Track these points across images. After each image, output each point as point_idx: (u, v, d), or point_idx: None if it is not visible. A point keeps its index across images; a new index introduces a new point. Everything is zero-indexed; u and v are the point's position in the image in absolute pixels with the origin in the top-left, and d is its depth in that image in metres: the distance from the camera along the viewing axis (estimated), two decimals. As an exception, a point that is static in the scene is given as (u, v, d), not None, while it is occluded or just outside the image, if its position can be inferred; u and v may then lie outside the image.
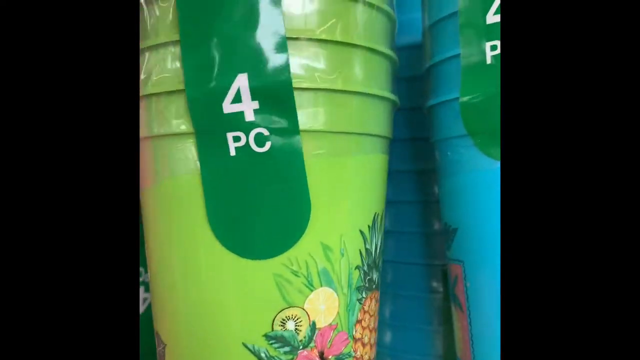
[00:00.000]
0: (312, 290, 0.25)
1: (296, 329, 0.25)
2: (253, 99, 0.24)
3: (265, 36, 0.24)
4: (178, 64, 0.25)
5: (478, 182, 0.28)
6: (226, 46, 0.24)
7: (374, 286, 0.28)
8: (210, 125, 0.24)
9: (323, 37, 0.25)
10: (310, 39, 0.25)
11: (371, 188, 0.28)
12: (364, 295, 0.27)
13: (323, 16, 0.25)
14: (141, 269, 0.36)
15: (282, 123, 0.24)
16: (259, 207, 0.25)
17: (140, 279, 0.36)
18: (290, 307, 0.25)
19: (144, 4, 0.26)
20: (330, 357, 0.26)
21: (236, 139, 0.24)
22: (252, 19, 0.24)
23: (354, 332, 0.27)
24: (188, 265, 0.25)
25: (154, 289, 0.28)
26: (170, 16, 0.25)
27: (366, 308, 0.28)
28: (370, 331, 0.29)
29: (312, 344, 0.26)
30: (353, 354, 0.27)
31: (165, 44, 0.25)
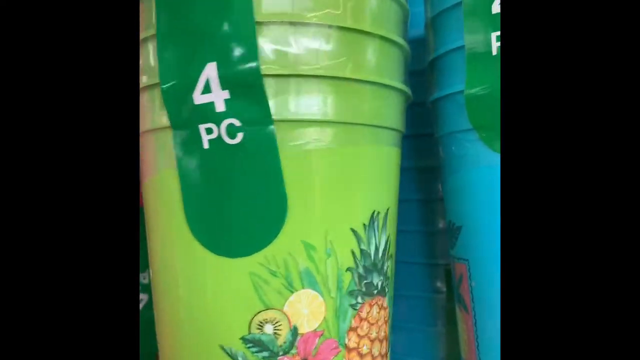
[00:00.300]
0: (292, 292, 0.23)
1: (275, 332, 0.23)
2: (223, 88, 0.23)
3: (234, 24, 0.23)
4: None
5: (483, 177, 0.27)
6: (196, 35, 0.23)
7: (375, 291, 0.26)
8: (183, 118, 0.24)
9: (334, 23, 0.24)
10: (320, 25, 0.24)
11: (368, 183, 0.25)
12: (359, 301, 0.25)
13: (334, 2, 0.24)
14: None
15: (253, 113, 0.23)
16: (234, 203, 0.23)
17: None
18: (268, 309, 0.23)
19: None
20: (315, 366, 0.24)
21: (208, 131, 0.23)
22: (221, 6, 0.23)
23: (346, 341, 0.25)
24: (168, 263, 0.25)
25: (152, 288, 0.28)
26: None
27: (364, 315, 0.25)
28: (373, 341, 0.26)
29: (293, 350, 0.24)
30: (345, 364, 0.25)
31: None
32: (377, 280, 0.26)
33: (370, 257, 0.25)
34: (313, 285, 0.24)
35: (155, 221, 0.26)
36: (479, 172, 0.27)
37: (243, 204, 0.23)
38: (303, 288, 0.24)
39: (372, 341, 0.26)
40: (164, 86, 0.24)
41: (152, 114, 0.25)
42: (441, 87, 0.29)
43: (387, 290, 0.27)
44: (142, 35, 0.25)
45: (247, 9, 0.22)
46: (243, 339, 0.23)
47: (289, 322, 0.23)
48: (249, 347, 0.23)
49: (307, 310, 0.24)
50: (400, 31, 0.29)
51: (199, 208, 0.24)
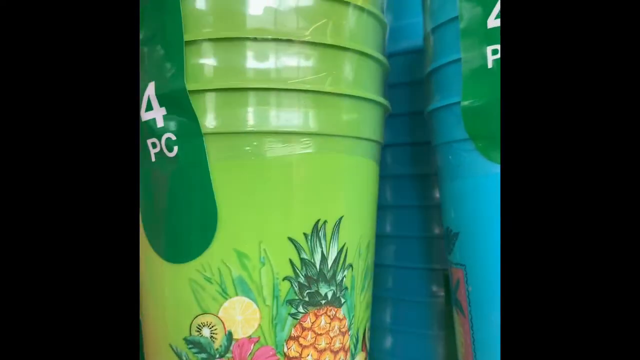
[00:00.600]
0: (226, 299, 0.24)
1: (212, 336, 0.24)
2: (160, 105, 0.24)
3: (166, 46, 0.24)
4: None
5: (479, 186, 0.27)
6: (143, 56, 0.25)
7: (323, 301, 0.25)
8: (140, 132, 0.26)
9: (313, 39, 0.25)
10: (300, 42, 0.25)
11: (309, 192, 0.25)
12: (301, 310, 0.25)
13: (313, 18, 0.25)
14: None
15: (184, 127, 0.24)
16: (174, 211, 0.25)
17: None
18: (205, 313, 0.24)
19: None
20: (251, 371, 0.25)
21: (153, 145, 0.25)
22: (158, 29, 0.24)
23: (284, 349, 0.25)
24: (140, 266, 0.27)
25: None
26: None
27: (307, 324, 0.25)
28: (322, 352, 0.25)
29: (229, 354, 0.24)
30: (285, 372, 0.25)
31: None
32: (325, 290, 0.25)
33: (315, 266, 0.25)
34: (247, 292, 0.24)
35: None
36: (475, 181, 0.28)
37: (180, 213, 0.25)
38: (237, 295, 0.24)
39: (320, 351, 0.25)
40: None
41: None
42: (439, 98, 0.30)
43: (344, 300, 0.26)
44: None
45: (177, 32, 0.24)
46: (185, 339, 0.25)
47: (224, 327, 0.24)
48: (190, 348, 0.25)
49: (241, 316, 0.24)
50: (379, 46, 0.30)
51: (150, 216, 0.26)
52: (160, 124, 0.25)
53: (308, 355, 0.25)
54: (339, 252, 0.26)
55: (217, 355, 0.25)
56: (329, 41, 0.26)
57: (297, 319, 0.25)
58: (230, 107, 0.24)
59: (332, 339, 0.26)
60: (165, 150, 0.25)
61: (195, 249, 0.25)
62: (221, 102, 0.24)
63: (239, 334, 0.24)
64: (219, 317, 0.24)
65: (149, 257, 0.26)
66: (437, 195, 0.37)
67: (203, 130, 0.24)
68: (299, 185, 0.25)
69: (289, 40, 0.25)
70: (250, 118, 0.25)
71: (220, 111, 0.24)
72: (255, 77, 0.25)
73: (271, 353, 0.25)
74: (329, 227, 0.26)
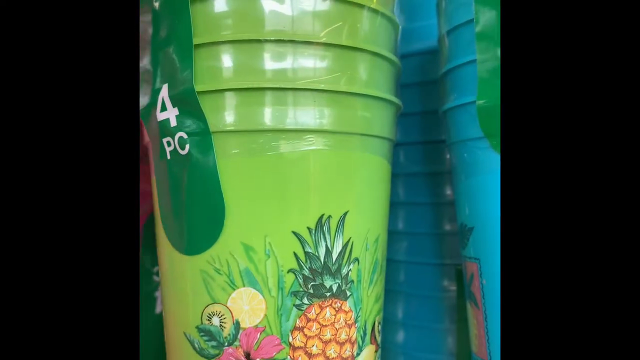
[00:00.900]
0: (234, 289, 0.25)
1: (221, 325, 0.26)
2: (173, 106, 0.26)
3: (177, 50, 0.26)
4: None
5: (493, 182, 0.28)
6: (158, 59, 0.27)
7: (328, 294, 0.26)
8: (153, 133, 0.27)
9: (328, 41, 0.26)
10: (316, 43, 0.26)
11: (314, 187, 0.26)
12: (305, 302, 0.26)
13: (329, 21, 0.26)
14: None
15: (194, 126, 0.25)
16: (186, 206, 0.26)
17: (158, 279, 0.39)
18: (214, 303, 0.26)
19: None
20: (258, 359, 0.26)
21: (168, 143, 0.27)
22: (170, 34, 0.26)
23: (290, 339, 0.26)
24: (160, 258, 0.29)
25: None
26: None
27: (311, 316, 0.26)
28: (327, 343, 0.26)
29: (236, 343, 0.26)
30: (290, 361, 0.26)
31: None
32: (330, 283, 0.26)
33: (319, 259, 0.26)
34: (253, 284, 0.25)
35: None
36: (489, 178, 0.29)
37: (192, 207, 0.26)
38: (244, 286, 0.25)
39: (325, 342, 0.26)
40: (142, 106, 0.28)
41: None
42: (454, 97, 0.30)
43: (350, 293, 0.27)
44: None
45: (187, 36, 0.25)
46: (197, 328, 0.26)
47: (232, 316, 0.26)
48: (201, 336, 0.26)
49: (247, 306, 0.25)
50: (391, 47, 0.30)
51: (167, 210, 0.27)
52: (173, 123, 0.26)
53: (313, 345, 0.26)
54: (344, 246, 0.27)
55: (226, 343, 0.26)
56: (344, 42, 0.26)
57: (301, 310, 0.26)
58: (248, 105, 0.26)
59: (337, 331, 0.27)
60: (178, 148, 0.26)
61: (206, 242, 0.26)
62: (239, 101, 0.26)
63: (246, 323, 0.26)
64: (227, 307, 0.26)
65: (166, 250, 0.28)
66: (449, 192, 0.38)
67: (221, 128, 0.25)
68: (305, 181, 0.26)
69: (305, 42, 0.26)
70: (267, 116, 0.26)
71: (238, 110, 0.25)
72: (272, 77, 0.26)
73: (276, 342, 0.26)
74: (334, 222, 0.26)
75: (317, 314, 0.26)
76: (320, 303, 0.26)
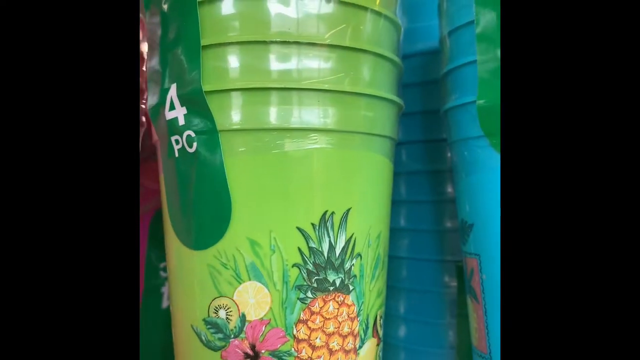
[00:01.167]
0: (240, 283, 0.26)
1: (227, 318, 0.26)
2: (181, 105, 0.27)
3: (185, 51, 0.26)
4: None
5: (493, 179, 0.29)
6: (167, 60, 0.27)
7: (331, 288, 0.27)
8: (162, 131, 0.28)
9: (332, 42, 0.27)
10: (320, 44, 0.27)
11: (318, 185, 0.27)
12: (310, 295, 0.26)
13: (333, 23, 0.27)
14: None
15: (201, 125, 0.26)
16: (193, 202, 0.27)
17: (164, 275, 0.40)
18: (221, 296, 0.27)
19: None
20: (263, 351, 0.26)
21: (176, 142, 0.27)
22: (179, 36, 0.27)
23: (294, 332, 0.26)
24: (168, 253, 0.30)
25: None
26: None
27: (315, 309, 0.27)
28: (330, 335, 0.27)
29: (242, 335, 0.26)
30: (295, 353, 0.26)
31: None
32: (334, 277, 0.27)
33: (323, 254, 0.27)
34: (259, 278, 0.26)
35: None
36: (489, 175, 0.29)
37: (200, 204, 0.27)
38: (250, 280, 0.26)
39: (328, 335, 0.27)
40: (150, 105, 0.29)
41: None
42: (455, 97, 0.31)
43: (353, 287, 0.28)
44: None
45: (195, 37, 0.26)
46: (204, 320, 0.27)
47: (238, 309, 0.26)
48: (208, 329, 0.27)
49: (253, 299, 0.26)
50: (394, 48, 0.31)
51: (175, 207, 0.28)
52: (181, 122, 0.27)
53: (317, 338, 0.27)
54: (347, 242, 0.27)
55: (232, 336, 0.27)
56: (347, 44, 0.27)
57: (305, 303, 0.27)
58: (254, 105, 0.26)
59: (340, 324, 0.27)
60: (186, 147, 0.27)
61: (213, 237, 0.27)
62: (246, 101, 0.26)
63: (252, 316, 0.26)
64: (233, 300, 0.26)
65: (174, 245, 0.29)
66: (450, 190, 0.39)
67: (228, 127, 0.26)
68: (309, 179, 0.27)
69: (310, 44, 0.27)
70: (273, 116, 0.27)
71: (244, 109, 0.26)
72: (278, 77, 0.26)
73: (281, 334, 0.27)
74: (337, 218, 0.27)
75: (321, 308, 0.27)
76: (323, 297, 0.27)
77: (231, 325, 0.27)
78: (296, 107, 0.27)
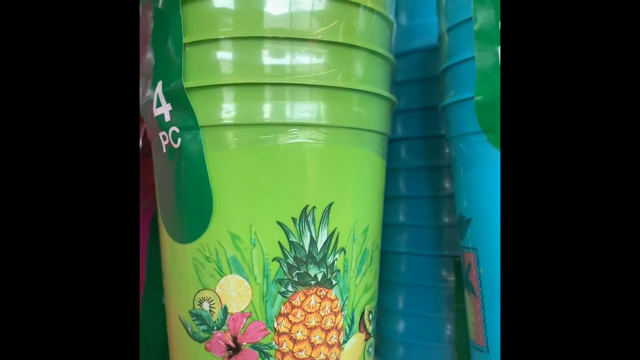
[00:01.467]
0: (222, 276, 0.27)
1: (210, 310, 0.27)
2: (167, 101, 0.27)
3: (169, 49, 0.27)
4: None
5: (491, 175, 0.29)
6: (156, 56, 0.28)
7: (312, 282, 0.27)
8: (152, 127, 0.29)
9: (325, 38, 0.27)
10: (313, 40, 0.27)
11: (299, 179, 0.27)
12: (290, 289, 0.27)
13: (326, 19, 0.27)
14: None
15: (185, 121, 0.27)
16: (179, 197, 0.28)
17: None
18: (205, 289, 0.27)
19: None
20: (244, 343, 0.27)
21: (164, 138, 0.28)
22: (164, 34, 0.27)
23: (275, 325, 0.27)
24: (161, 247, 0.31)
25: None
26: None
27: (296, 303, 0.27)
28: (312, 329, 0.27)
29: (225, 327, 0.27)
30: (276, 346, 0.27)
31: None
32: (315, 271, 0.27)
33: (304, 249, 0.27)
34: (240, 271, 0.27)
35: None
36: (486, 170, 0.30)
37: (184, 198, 0.27)
38: (231, 273, 0.27)
39: (310, 329, 0.27)
40: (142, 101, 0.30)
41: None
42: (453, 93, 0.31)
43: (336, 282, 0.28)
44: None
45: (178, 35, 0.27)
46: (190, 312, 0.28)
47: (220, 302, 0.27)
48: (193, 320, 0.28)
49: (234, 292, 0.27)
50: (386, 44, 0.31)
51: (164, 201, 0.29)
52: (167, 118, 0.28)
53: (298, 331, 0.27)
54: (330, 237, 0.28)
55: (215, 327, 0.27)
56: (340, 40, 0.27)
57: (286, 297, 0.27)
58: (244, 100, 0.27)
59: (323, 318, 0.28)
60: (172, 142, 0.28)
61: (196, 231, 0.27)
62: (236, 96, 0.27)
63: (234, 308, 0.27)
64: (216, 293, 0.27)
65: (164, 239, 0.29)
66: (448, 185, 0.39)
67: (219, 122, 0.26)
68: (290, 173, 0.27)
69: (303, 39, 0.27)
70: (264, 110, 0.27)
71: (235, 104, 0.27)
72: (270, 72, 0.27)
73: (262, 327, 0.27)
74: (318, 213, 0.27)
75: (302, 301, 0.27)
76: (305, 291, 0.27)
77: (214, 318, 0.27)
78: (288, 102, 0.27)
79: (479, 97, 0.28)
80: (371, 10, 0.29)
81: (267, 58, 0.27)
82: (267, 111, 0.27)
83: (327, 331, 0.28)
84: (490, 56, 0.28)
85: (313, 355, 0.28)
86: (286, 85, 0.27)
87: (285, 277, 0.27)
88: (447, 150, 0.39)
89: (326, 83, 0.27)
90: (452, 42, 0.31)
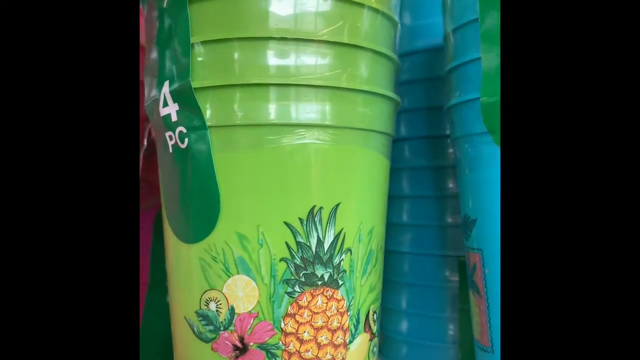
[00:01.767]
0: (229, 276, 0.27)
1: (217, 310, 0.27)
2: (174, 101, 0.27)
3: (175, 48, 0.27)
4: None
5: (496, 175, 0.29)
6: (161, 56, 0.28)
7: (319, 282, 0.27)
8: (158, 126, 0.29)
9: (330, 39, 0.27)
10: (318, 41, 0.27)
11: (307, 180, 0.27)
12: (297, 289, 0.27)
13: (331, 20, 0.27)
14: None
15: (192, 121, 0.27)
16: (186, 197, 0.28)
17: None
18: (212, 289, 0.27)
19: None
20: (251, 343, 0.27)
21: (170, 138, 0.28)
22: (170, 34, 0.27)
23: (282, 325, 0.27)
24: (165, 247, 0.31)
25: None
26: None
27: (303, 303, 0.27)
28: (319, 329, 0.27)
29: (231, 327, 0.27)
30: (283, 346, 0.27)
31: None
32: (322, 272, 0.27)
33: (311, 249, 0.27)
34: (247, 271, 0.27)
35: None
36: (491, 171, 0.30)
37: (191, 198, 0.27)
38: (238, 273, 0.27)
39: (316, 329, 0.27)
40: (147, 101, 0.29)
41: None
42: (459, 94, 0.31)
43: (342, 282, 0.28)
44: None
45: (185, 35, 0.27)
46: (196, 312, 0.28)
47: (227, 302, 0.27)
48: (200, 320, 0.28)
49: (242, 293, 0.27)
50: (391, 45, 0.32)
51: (169, 201, 0.29)
52: (174, 118, 0.27)
53: (305, 331, 0.27)
54: (336, 237, 0.28)
55: (222, 328, 0.27)
56: (345, 40, 0.27)
57: (293, 297, 0.27)
58: (251, 100, 0.27)
59: (329, 318, 0.28)
60: (178, 142, 0.28)
61: (203, 231, 0.27)
62: (243, 96, 0.27)
63: (241, 308, 0.27)
64: (223, 293, 0.27)
65: (170, 238, 0.29)
66: (452, 186, 0.39)
67: (226, 123, 0.26)
68: (298, 174, 0.27)
69: (308, 40, 0.27)
70: (270, 111, 0.27)
71: (241, 104, 0.27)
72: (275, 73, 0.27)
73: (269, 328, 0.27)
74: (325, 213, 0.27)
75: (309, 302, 0.27)
76: (311, 291, 0.27)
77: (221, 318, 0.27)
78: (293, 103, 0.27)
79: (484, 98, 0.28)
80: (376, 10, 0.29)
81: (273, 59, 0.27)
82: (273, 112, 0.27)
83: (333, 331, 0.28)
84: (497, 57, 0.28)
85: (320, 355, 0.28)
86: (292, 85, 0.27)
87: (292, 278, 0.27)
88: (450, 150, 0.39)
89: (331, 84, 0.27)
90: (458, 42, 0.31)
